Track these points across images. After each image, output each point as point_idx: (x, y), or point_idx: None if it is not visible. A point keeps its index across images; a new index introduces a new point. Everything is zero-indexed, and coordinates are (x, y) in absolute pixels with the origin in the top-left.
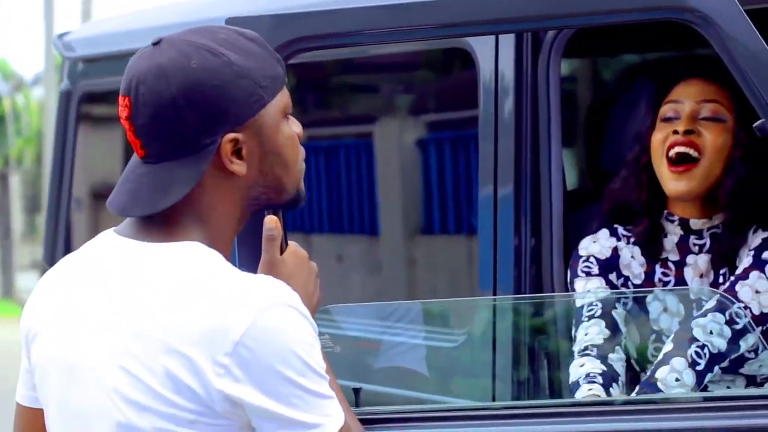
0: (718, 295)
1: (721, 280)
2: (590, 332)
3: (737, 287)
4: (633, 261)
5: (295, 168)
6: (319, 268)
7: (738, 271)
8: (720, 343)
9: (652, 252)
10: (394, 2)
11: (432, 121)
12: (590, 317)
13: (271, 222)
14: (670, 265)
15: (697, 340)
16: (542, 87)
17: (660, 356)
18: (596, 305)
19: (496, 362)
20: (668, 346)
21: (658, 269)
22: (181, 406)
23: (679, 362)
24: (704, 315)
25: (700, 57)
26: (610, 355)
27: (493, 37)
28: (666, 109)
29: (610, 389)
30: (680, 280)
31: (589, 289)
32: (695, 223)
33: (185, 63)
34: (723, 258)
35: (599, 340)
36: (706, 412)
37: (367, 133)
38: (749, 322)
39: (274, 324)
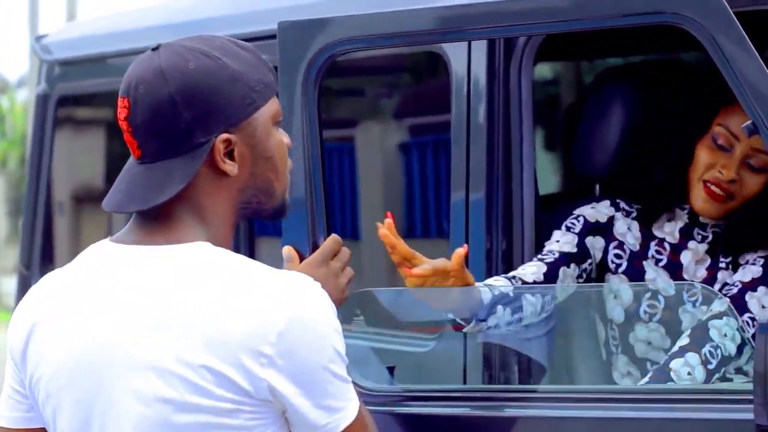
0: (728, 301)
1: (723, 265)
2: (526, 269)
3: (746, 297)
4: (629, 232)
5: (284, 175)
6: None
7: (746, 278)
8: (731, 348)
9: (650, 229)
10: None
11: (405, 125)
12: (539, 259)
13: (288, 251)
14: (666, 246)
15: (713, 341)
16: (514, 91)
17: (676, 348)
18: (553, 253)
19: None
20: (684, 340)
21: (653, 246)
22: (221, 397)
23: (693, 358)
24: (720, 317)
25: None
26: (527, 296)
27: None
28: (720, 133)
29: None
30: (673, 262)
31: (557, 239)
32: (704, 219)
33: (183, 65)
34: (722, 252)
35: (528, 278)
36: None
37: (338, 137)
38: (749, 338)
39: (311, 313)
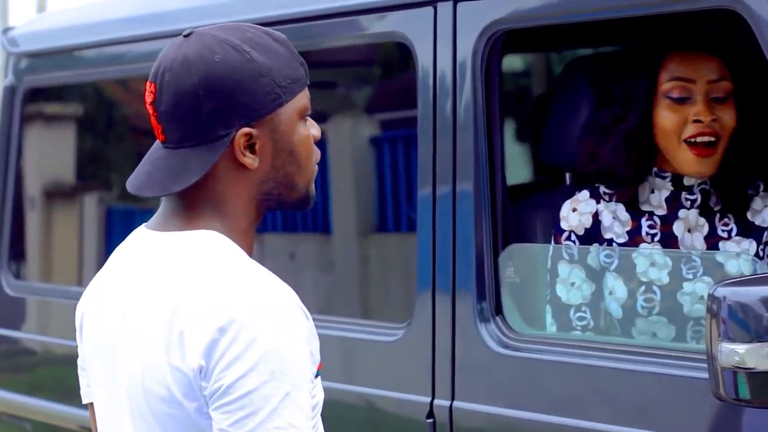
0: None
1: (723, 234)
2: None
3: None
4: (615, 222)
5: (307, 168)
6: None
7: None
8: None
9: (637, 208)
10: None
11: (372, 119)
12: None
13: None
14: (656, 219)
15: None
16: (482, 82)
17: None
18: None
19: None
20: None
21: (644, 223)
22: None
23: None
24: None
25: (690, 27)
26: None
27: (431, 30)
28: (672, 87)
29: None
30: (668, 234)
31: (573, 282)
32: (688, 180)
33: (209, 56)
34: (714, 212)
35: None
36: None
37: None
38: None
39: (248, 326)
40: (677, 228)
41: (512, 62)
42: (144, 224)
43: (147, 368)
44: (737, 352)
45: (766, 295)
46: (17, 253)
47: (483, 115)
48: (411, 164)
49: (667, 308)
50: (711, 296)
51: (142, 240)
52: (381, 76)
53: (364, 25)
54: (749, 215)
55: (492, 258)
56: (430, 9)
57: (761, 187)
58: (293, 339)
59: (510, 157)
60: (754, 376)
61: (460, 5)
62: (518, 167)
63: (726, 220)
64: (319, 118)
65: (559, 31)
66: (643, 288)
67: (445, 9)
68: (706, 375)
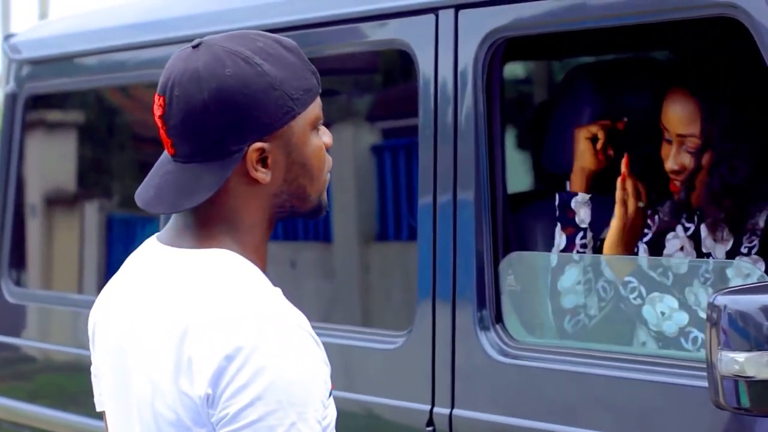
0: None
1: (745, 251)
2: None
3: None
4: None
5: (320, 179)
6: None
7: None
8: None
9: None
10: None
11: (373, 126)
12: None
13: None
14: (695, 216)
15: None
16: (483, 90)
17: None
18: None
19: None
20: None
21: (684, 213)
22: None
23: None
24: None
25: (682, 67)
26: None
27: (433, 38)
28: (663, 128)
29: None
30: (697, 232)
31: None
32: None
33: (219, 70)
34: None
35: None
36: None
37: None
38: None
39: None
40: (670, 247)
41: (513, 70)
42: (156, 235)
43: (157, 392)
44: (737, 361)
45: (766, 304)
46: (18, 260)
47: (484, 122)
48: (412, 172)
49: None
50: (711, 305)
51: (155, 255)
52: (382, 83)
53: (366, 33)
54: None
55: (492, 266)
56: (431, 16)
57: None
58: (302, 367)
59: (511, 165)
60: (753, 384)
61: (461, 13)
62: (519, 175)
63: (754, 239)
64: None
65: (560, 38)
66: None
67: (446, 17)
68: (705, 383)
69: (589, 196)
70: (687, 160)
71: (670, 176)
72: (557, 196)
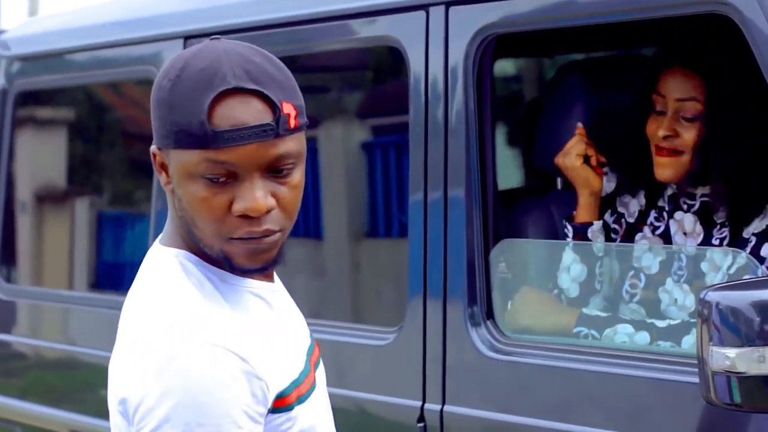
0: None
1: (717, 242)
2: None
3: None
4: (632, 200)
5: (201, 228)
6: None
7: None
8: None
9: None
10: None
11: (364, 123)
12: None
13: None
14: (664, 214)
15: None
16: (474, 87)
17: None
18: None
19: None
20: None
21: (653, 213)
22: None
23: None
24: None
25: (681, 46)
26: None
27: (423, 35)
28: (656, 100)
29: None
30: (667, 230)
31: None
32: (693, 188)
33: (165, 72)
34: (714, 223)
35: None
36: None
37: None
38: None
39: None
40: (672, 226)
41: (504, 66)
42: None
43: (109, 405)
44: (728, 357)
45: (757, 299)
46: (8, 256)
47: (475, 119)
48: (403, 169)
49: (648, 299)
50: (702, 300)
51: (148, 256)
52: (373, 80)
53: (356, 29)
54: (745, 233)
55: (483, 262)
56: (422, 13)
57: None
58: (209, 385)
59: (501, 162)
60: (744, 380)
61: (452, 9)
62: (510, 172)
63: (724, 230)
64: (311, 122)
65: (550, 35)
66: (632, 272)
67: (437, 13)
68: (696, 379)
69: (602, 222)
70: (683, 129)
71: (657, 149)
72: (569, 227)
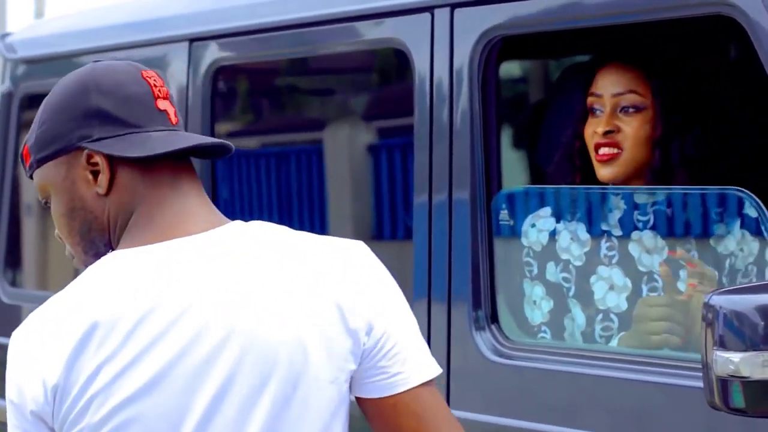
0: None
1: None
2: None
3: None
4: (572, 243)
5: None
6: None
7: None
8: None
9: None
10: None
11: (369, 126)
12: None
13: None
14: (614, 240)
15: None
16: (479, 90)
17: None
18: None
19: None
20: None
21: (603, 245)
22: None
23: None
24: None
25: (616, 42)
26: None
27: (428, 37)
28: (591, 101)
29: None
30: (626, 255)
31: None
32: (639, 197)
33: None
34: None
35: None
36: None
37: (287, 141)
38: None
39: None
40: (633, 249)
41: (509, 69)
42: None
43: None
44: (732, 361)
45: (762, 304)
46: (13, 260)
47: (480, 121)
48: (407, 171)
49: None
50: (706, 304)
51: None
52: (378, 82)
53: (361, 32)
54: (712, 242)
55: (488, 266)
56: (427, 15)
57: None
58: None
59: (506, 164)
60: (749, 385)
61: (457, 11)
62: (515, 174)
63: (688, 245)
64: (316, 124)
65: (556, 37)
66: (601, 316)
67: (442, 15)
68: (700, 384)
69: None
70: (623, 123)
71: (596, 149)
72: None
